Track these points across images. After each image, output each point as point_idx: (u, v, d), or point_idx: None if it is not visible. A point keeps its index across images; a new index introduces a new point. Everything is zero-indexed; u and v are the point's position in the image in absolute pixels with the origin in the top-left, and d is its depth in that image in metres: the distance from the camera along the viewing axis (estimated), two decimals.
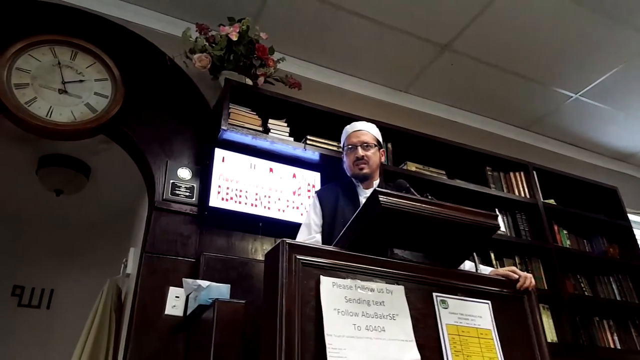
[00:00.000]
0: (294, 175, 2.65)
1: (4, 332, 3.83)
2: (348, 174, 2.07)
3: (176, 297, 2.23)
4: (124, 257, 2.96)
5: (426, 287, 1.39)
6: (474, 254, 1.58)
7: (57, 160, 3.38)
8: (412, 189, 1.62)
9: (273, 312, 1.19)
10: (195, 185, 2.53)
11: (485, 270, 1.66)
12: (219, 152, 2.51)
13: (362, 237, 1.37)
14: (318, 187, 2.64)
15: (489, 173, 3.32)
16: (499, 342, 1.41)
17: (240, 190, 2.48)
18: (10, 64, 2.35)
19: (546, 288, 3.05)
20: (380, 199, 1.29)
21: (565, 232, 3.47)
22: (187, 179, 2.53)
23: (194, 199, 2.48)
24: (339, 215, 1.79)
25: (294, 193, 2.60)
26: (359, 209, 1.38)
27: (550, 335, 2.93)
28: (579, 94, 3.64)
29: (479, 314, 1.45)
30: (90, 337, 2.63)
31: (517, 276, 1.55)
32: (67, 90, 2.45)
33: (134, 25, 2.82)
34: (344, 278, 1.29)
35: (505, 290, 1.53)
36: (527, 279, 1.55)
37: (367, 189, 2.00)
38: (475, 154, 3.30)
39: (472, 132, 3.77)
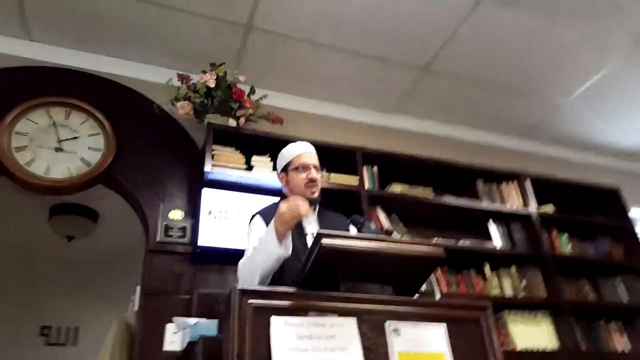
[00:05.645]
0: None
1: None
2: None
3: (174, 332, 2.36)
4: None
5: (379, 317, 1.46)
6: (431, 276, 1.65)
7: (66, 208, 3.60)
8: (367, 223, 1.70)
9: (227, 354, 1.30)
10: (187, 225, 2.67)
11: None
12: (206, 192, 2.64)
13: (313, 274, 1.46)
14: None
15: (480, 186, 3.36)
16: None
17: (229, 227, 2.61)
18: (10, 129, 2.56)
19: (545, 295, 3.06)
20: (323, 241, 1.39)
21: (565, 237, 3.47)
22: (179, 219, 2.68)
23: (186, 239, 2.62)
24: None
25: None
26: (308, 249, 1.47)
27: (551, 343, 2.93)
28: (572, 97, 3.63)
29: (433, 338, 1.51)
30: None
31: None
32: (63, 148, 2.65)
33: (122, 78, 3.00)
34: (296, 316, 1.39)
35: (462, 311, 1.59)
36: None
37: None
38: (464, 168, 3.35)
39: (466, 147, 3.80)
